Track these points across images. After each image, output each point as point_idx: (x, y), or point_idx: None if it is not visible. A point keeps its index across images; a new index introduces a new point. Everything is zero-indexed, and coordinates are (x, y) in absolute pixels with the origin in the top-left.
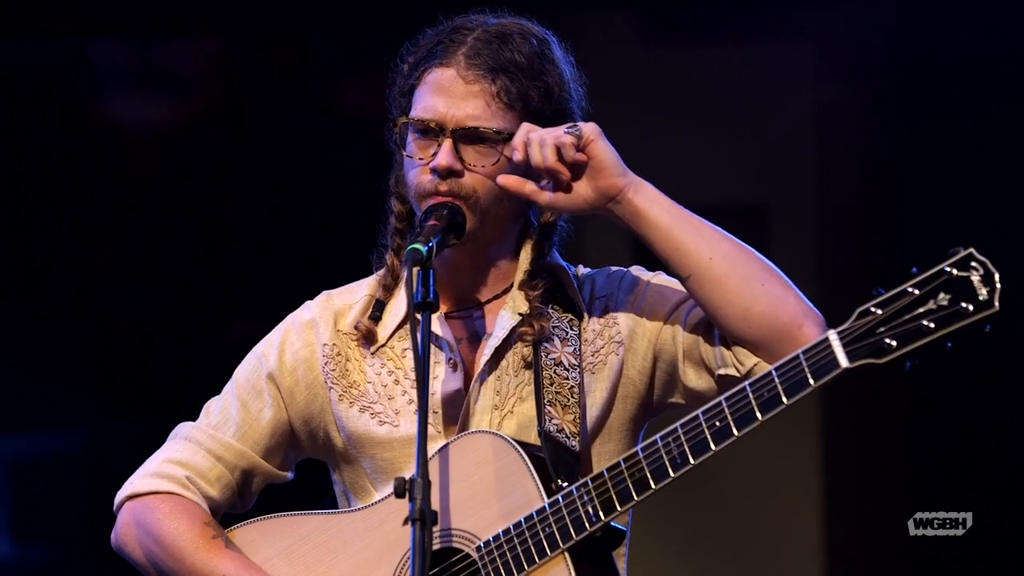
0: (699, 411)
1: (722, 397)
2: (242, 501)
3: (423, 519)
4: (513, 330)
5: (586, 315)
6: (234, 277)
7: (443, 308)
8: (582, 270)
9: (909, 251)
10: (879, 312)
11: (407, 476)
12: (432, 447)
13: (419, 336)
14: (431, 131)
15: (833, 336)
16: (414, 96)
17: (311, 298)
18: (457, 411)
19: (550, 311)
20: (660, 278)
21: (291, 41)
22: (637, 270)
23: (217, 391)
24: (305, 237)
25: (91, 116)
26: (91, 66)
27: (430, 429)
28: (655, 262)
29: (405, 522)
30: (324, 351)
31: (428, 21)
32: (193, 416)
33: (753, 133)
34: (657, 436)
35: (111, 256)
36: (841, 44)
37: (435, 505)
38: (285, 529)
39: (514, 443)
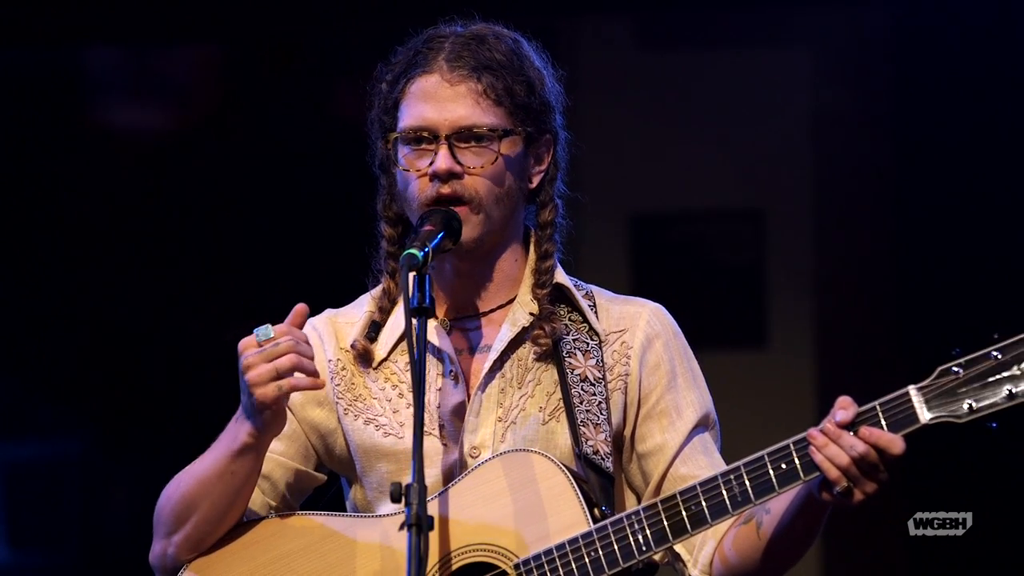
0: (765, 452)
1: (791, 440)
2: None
3: (419, 524)
4: (513, 341)
5: (601, 333)
6: (232, 284)
7: (443, 317)
8: (594, 289)
9: (906, 255)
10: (961, 373)
11: (404, 482)
12: (471, 462)
13: (414, 341)
14: (424, 139)
15: (913, 391)
16: (399, 111)
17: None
18: (460, 423)
19: (567, 323)
20: (686, 367)
21: (287, 48)
22: (659, 317)
23: (214, 398)
24: (302, 244)
25: (87, 122)
26: (87, 72)
27: (436, 442)
28: (650, 276)
29: (401, 527)
30: (330, 367)
31: (427, 27)
32: (189, 422)
33: (750, 138)
34: (718, 473)
35: (108, 263)
36: (837, 49)
37: (472, 520)
38: (308, 526)
39: (561, 465)
